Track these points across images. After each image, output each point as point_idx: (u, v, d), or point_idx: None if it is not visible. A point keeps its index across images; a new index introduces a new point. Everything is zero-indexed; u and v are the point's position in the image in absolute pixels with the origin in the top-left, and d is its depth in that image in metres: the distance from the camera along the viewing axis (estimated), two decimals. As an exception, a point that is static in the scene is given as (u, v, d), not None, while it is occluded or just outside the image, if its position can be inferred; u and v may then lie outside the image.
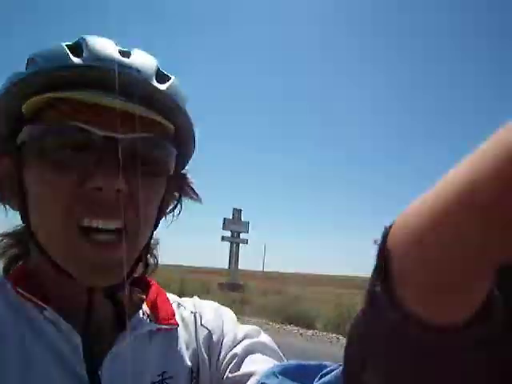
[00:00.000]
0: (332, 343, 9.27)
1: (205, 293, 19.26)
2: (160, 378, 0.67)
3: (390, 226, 0.33)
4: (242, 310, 13.94)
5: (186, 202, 0.80)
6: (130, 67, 0.62)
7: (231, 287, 23.34)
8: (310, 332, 10.54)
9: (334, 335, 10.08)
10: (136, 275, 0.73)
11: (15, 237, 0.72)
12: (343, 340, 9.58)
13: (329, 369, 0.54)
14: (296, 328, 11.06)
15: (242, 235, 26.56)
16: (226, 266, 28.61)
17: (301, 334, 10.32)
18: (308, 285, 40.37)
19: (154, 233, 0.73)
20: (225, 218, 25.73)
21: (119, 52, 0.64)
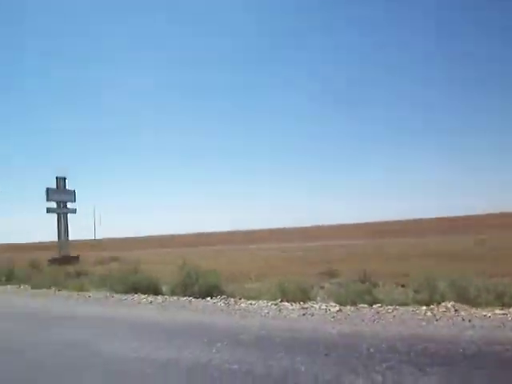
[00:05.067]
0: (185, 307, 8.53)
1: (35, 270, 17.19)
2: None
3: None
4: (81, 285, 12.51)
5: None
6: None
7: (64, 260, 21.42)
8: (159, 298, 9.64)
9: (185, 299, 9.34)
10: None
11: None
12: (196, 302, 8.91)
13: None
14: (144, 296, 10.08)
15: (68, 205, 24.52)
16: (53, 239, 26.36)
17: (150, 302, 9.37)
18: (141, 248, 39.44)
19: None
20: (48, 188, 23.47)
21: None
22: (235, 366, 4.61)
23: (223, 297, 9.12)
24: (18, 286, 14.52)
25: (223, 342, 5.57)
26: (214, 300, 8.94)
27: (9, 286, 14.65)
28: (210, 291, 9.45)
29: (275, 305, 8.02)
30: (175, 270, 10.64)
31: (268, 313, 7.44)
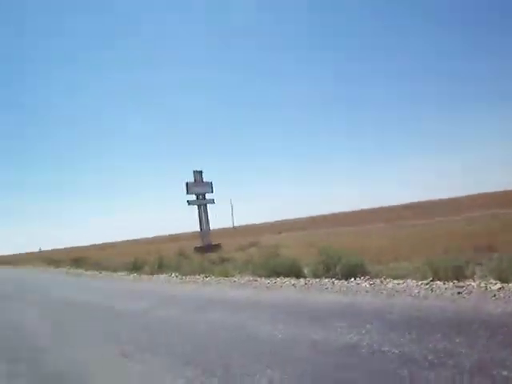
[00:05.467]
0: (328, 289, 8.48)
1: (182, 259, 18.48)
2: None
3: None
4: (226, 270, 13.14)
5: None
6: None
7: (208, 248, 22.68)
8: (301, 281, 9.72)
9: (327, 280, 9.30)
10: None
11: None
12: (339, 284, 8.80)
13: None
14: (286, 279, 10.27)
15: (207, 196, 25.83)
16: (195, 230, 28.05)
17: (293, 284, 9.50)
18: (280, 232, 40.25)
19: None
20: (187, 182, 24.93)
21: None
22: (386, 348, 4.43)
23: (367, 277, 8.86)
24: (169, 274, 15.75)
25: (372, 323, 5.41)
26: (358, 281, 8.74)
27: (161, 275, 15.96)
28: (352, 272, 9.22)
29: (426, 284, 7.57)
30: (315, 252, 10.63)
31: (418, 292, 7.06)
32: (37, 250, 46.62)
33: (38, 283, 20.73)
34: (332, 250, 10.10)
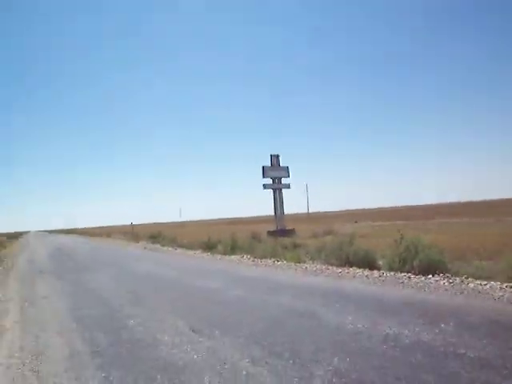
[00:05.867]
0: (404, 284, 8.24)
1: (255, 242, 18.72)
2: None
3: None
4: (298, 256, 13.15)
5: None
6: None
7: (281, 233, 22.77)
8: (375, 273, 9.51)
9: (403, 274, 9.02)
10: None
11: None
12: (415, 279, 8.52)
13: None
14: (359, 270, 10.09)
15: (283, 180, 25.82)
16: (268, 213, 28.23)
17: (366, 276, 9.32)
18: (355, 221, 39.62)
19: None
20: (264, 166, 25.05)
21: None
22: (461, 351, 4.24)
23: (446, 275, 8.48)
24: (241, 255, 16.03)
25: (447, 323, 5.19)
26: (436, 278, 8.40)
27: (233, 256, 16.28)
28: (431, 268, 8.86)
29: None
30: (392, 244, 10.33)
31: (502, 295, 6.67)
32: (129, 223, 49.23)
33: (119, 256, 21.84)
34: (410, 242, 9.74)
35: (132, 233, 42.62)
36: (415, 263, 9.14)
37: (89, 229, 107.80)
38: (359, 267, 10.42)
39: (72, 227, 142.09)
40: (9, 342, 5.85)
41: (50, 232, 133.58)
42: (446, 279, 8.20)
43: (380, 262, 10.50)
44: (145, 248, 26.16)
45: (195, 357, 4.58)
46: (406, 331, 5.01)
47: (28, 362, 4.93)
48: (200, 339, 5.23)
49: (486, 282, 7.58)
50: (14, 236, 79.25)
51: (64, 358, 4.93)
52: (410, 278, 8.68)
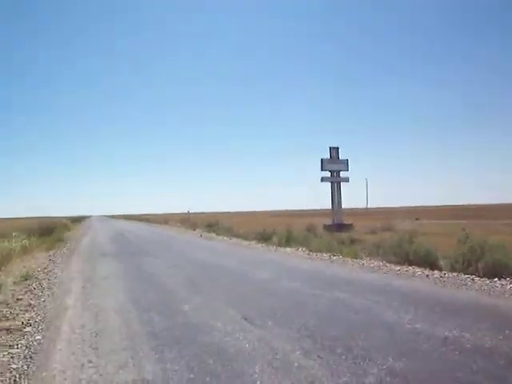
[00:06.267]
0: (467, 286, 7.92)
1: (311, 235, 18.61)
2: None
3: None
4: (354, 252, 12.96)
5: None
6: None
7: (338, 227, 22.51)
8: (436, 273, 9.20)
9: (466, 276, 8.66)
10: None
11: None
12: (479, 282, 8.15)
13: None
14: (419, 269, 9.79)
15: (341, 173, 25.51)
16: (325, 207, 27.95)
17: (426, 275, 9.03)
18: (415, 218, 38.48)
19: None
20: (322, 159, 24.87)
21: None
22: (528, 360, 4.01)
23: (514, 279, 8.08)
24: (296, 248, 15.99)
25: (514, 330, 4.95)
26: (503, 281, 8.01)
27: (288, 248, 16.27)
28: (497, 270, 8.46)
29: None
30: (455, 244, 9.96)
31: None
32: (186, 211, 50.43)
33: (177, 243, 22.38)
34: (476, 242, 9.33)
35: (189, 220, 43.55)
36: (480, 265, 8.77)
37: (147, 215, 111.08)
38: (419, 266, 10.11)
39: (131, 213, 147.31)
40: (71, 319, 6.13)
41: (112, 217, 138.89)
42: (514, 284, 7.82)
43: (441, 262, 10.14)
44: (201, 236, 26.66)
45: (247, 345, 4.60)
46: (468, 335, 4.79)
47: (88, 338, 5.14)
48: (252, 328, 5.27)
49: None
50: (78, 220, 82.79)
51: (121, 338, 5.10)
52: (473, 280, 8.32)
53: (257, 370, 3.86)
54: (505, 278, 8.19)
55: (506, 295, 7.05)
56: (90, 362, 4.29)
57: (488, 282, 8.12)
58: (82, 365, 4.21)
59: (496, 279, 8.21)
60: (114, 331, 5.40)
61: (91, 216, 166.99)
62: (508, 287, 7.61)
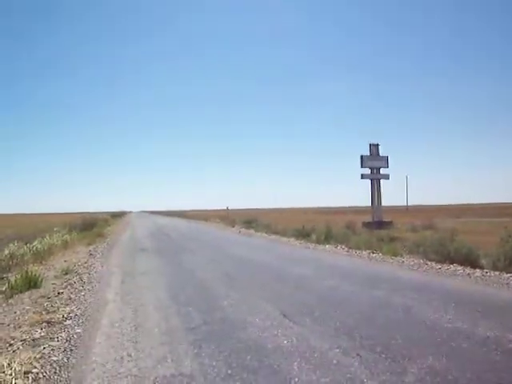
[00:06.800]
0: (510, 285, 7.69)
1: (350, 232, 18.44)
2: None
3: None
4: (394, 249, 12.76)
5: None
6: None
7: (377, 225, 22.22)
8: (477, 272, 8.97)
9: (509, 275, 8.40)
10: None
11: None
12: (523, 280, 7.93)
13: None
14: (460, 268, 9.56)
15: (382, 170, 25.13)
16: (365, 204, 27.63)
17: (468, 274, 8.81)
18: (456, 216, 37.63)
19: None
20: (362, 155, 24.60)
21: None
22: None
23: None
24: (335, 245, 15.87)
25: (559, 331, 4.79)
26: (546, 281, 7.78)
27: (327, 245, 16.16)
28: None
29: None
30: (497, 242, 9.69)
31: None
32: (225, 208, 50.76)
33: (216, 239, 22.53)
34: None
35: (227, 217, 43.82)
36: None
37: (187, 211, 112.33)
38: (460, 264, 9.89)
39: (170, 209, 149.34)
40: (110, 313, 6.26)
41: (151, 213, 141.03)
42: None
43: (483, 261, 9.90)
44: (239, 232, 26.80)
45: (285, 342, 4.62)
46: (510, 335, 4.67)
47: (127, 332, 5.25)
48: (290, 325, 5.28)
49: None
50: (118, 215, 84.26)
51: (160, 332, 5.18)
52: (516, 279, 8.09)
53: (295, 367, 3.87)
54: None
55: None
56: (129, 355, 4.36)
57: (532, 281, 7.91)
58: (122, 358, 4.29)
59: (540, 278, 7.97)
60: (153, 326, 5.48)
61: (131, 212, 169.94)
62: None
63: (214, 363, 4.03)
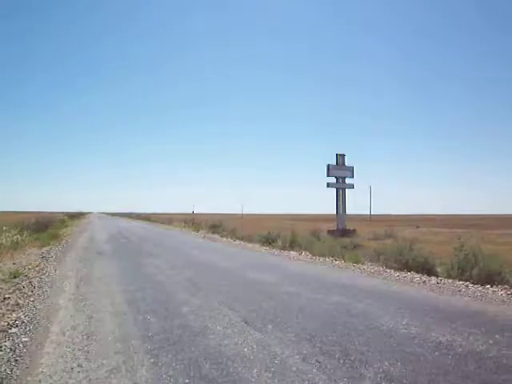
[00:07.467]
0: (461, 292, 7.98)
1: (314, 240, 18.60)
2: None
3: None
4: (356, 257, 12.98)
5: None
6: None
7: (341, 233, 22.56)
8: (433, 280, 9.29)
9: (461, 283, 8.79)
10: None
11: None
12: (473, 288, 8.26)
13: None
14: (417, 275, 9.85)
15: (347, 180, 25.57)
16: (329, 212, 27.98)
17: (424, 282, 9.09)
18: (417, 226, 38.54)
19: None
20: (328, 164, 25.02)
21: None
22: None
23: (505, 286, 8.30)
24: (299, 252, 15.98)
25: (503, 335, 5.07)
26: (494, 288, 8.22)
27: (292, 252, 16.26)
28: (489, 278, 8.72)
29: None
30: (452, 252, 10.06)
31: None
32: (190, 212, 50.33)
33: (179, 243, 22.18)
34: (470, 250, 9.51)
35: (193, 221, 43.50)
36: (474, 272, 8.97)
37: (149, 214, 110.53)
38: (417, 272, 10.28)
39: (132, 211, 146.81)
40: (61, 320, 5.92)
41: (113, 215, 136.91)
42: (504, 290, 8.00)
43: (438, 269, 10.30)
44: (204, 237, 26.58)
45: (245, 349, 4.62)
46: (460, 340, 4.90)
47: (79, 341, 4.96)
48: (252, 332, 5.29)
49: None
50: (76, 216, 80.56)
51: (114, 340, 4.95)
52: (467, 286, 8.52)
53: (254, 375, 3.88)
54: (497, 285, 8.41)
55: (497, 301, 7.20)
56: (80, 366, 4.13)
57: (481, 288, 8.33)
58: (72, 369, 4.06)
59: (488, 286, 8.43)
60: (107, 334, 5.24)
61: (91, 213, 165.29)
62: (499, 294, 7.79)
63: (171, 373, 3.92)
